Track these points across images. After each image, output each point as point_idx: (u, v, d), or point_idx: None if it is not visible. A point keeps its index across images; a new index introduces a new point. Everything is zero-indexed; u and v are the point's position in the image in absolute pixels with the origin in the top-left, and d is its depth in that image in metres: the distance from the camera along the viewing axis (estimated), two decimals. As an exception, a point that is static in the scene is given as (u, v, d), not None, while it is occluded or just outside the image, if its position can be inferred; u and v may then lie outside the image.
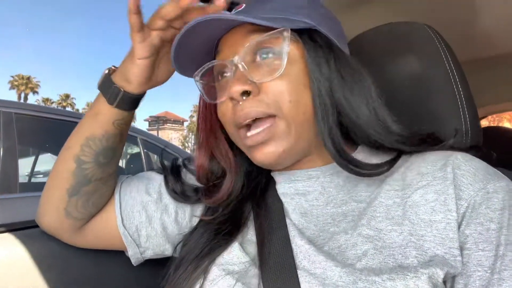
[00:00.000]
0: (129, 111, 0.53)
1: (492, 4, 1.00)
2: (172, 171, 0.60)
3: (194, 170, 0.60)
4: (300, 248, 0.46)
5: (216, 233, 0.52)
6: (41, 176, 2.65)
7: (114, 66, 0.54)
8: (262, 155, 0.48)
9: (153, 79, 0.53)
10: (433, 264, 0.39)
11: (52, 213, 0.56)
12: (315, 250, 0.45)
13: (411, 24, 0.64)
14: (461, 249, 0.41)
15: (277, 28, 0.45)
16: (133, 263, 0.60)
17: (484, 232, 0.40)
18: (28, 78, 52.66)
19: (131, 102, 0.53)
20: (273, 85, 0.46)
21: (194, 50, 0.50)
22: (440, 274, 0.39)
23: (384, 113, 0.48)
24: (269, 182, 0.56)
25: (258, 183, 0.57)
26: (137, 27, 0.47)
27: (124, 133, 0.56)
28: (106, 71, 0.53)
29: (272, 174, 0.57)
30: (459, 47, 0.65)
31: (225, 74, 0.51)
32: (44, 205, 0.57)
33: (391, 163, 0.46)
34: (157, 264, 0.61)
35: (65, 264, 0.60)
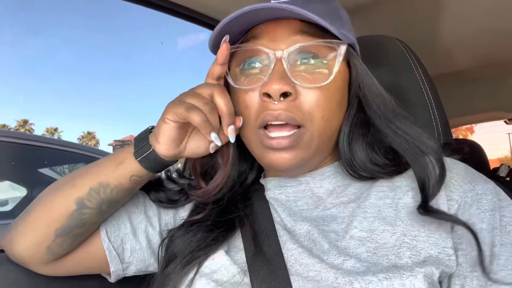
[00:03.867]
0: (150, 171, 0.51)
1: (451, 26, 1.06)
2: (153, 182, 0.58)
3: (176, 177, 0.59)
4: (292, 251, 0.45)
5: (209, 231, 0.50)
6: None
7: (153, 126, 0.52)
8: (280, 159, 0.46)
9: (180, 148, 0.50)
10: (428, 263, 0.40)
11: (30, 247, 0.50)
12: (307, 253, 0.44)
13: (382, 38, 0.67)
14: (455, 249, 0.41)
15: (331, 38, 0.45)
16: (111, 280, 0.56)
17: (477, 233, 0.41)
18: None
19: (156, 163, 0.50)
20: (312, 95, 0.45)
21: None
22: (435, 273, 0.39)
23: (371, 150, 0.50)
24: (256, 189, 0.56)
25: (247, 189, 0.56)
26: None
27: (134, 191, 0.54)
28: (150, 128, 0.52)
29: (261, 180, 0.56)
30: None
31: (257, 64, 0.48)
32: (20, 236, 0.50)
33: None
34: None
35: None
